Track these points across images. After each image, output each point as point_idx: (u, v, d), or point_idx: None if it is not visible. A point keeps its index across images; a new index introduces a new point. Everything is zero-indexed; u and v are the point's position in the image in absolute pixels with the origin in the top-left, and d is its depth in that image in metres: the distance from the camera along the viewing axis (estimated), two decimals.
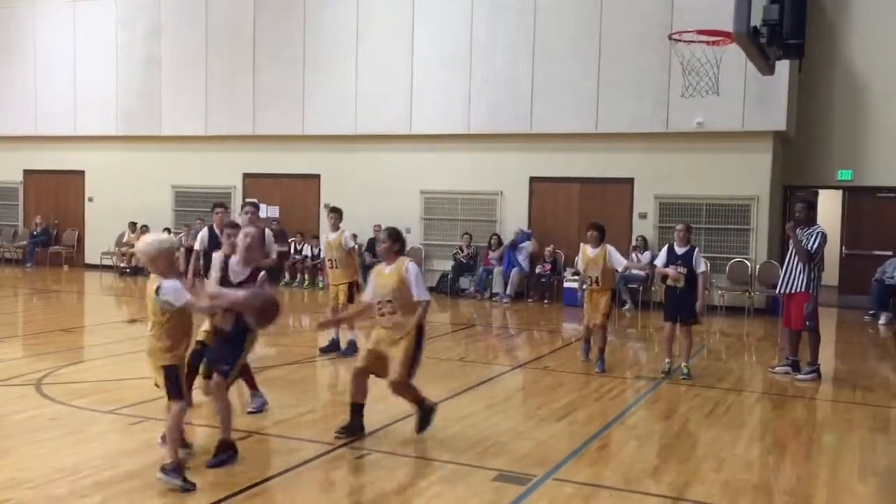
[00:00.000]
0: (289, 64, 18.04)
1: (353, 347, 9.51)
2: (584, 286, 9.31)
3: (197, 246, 9.13)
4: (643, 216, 15.69)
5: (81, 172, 20.74)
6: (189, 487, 5.09)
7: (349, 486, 5.41)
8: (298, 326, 12.85)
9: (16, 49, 21.03)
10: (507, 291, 15.83)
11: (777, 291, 9.58)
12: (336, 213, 10.16)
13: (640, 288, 15.29)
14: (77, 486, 5.17)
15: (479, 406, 7.53)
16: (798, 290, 8.96)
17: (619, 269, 9.38)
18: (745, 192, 14.97)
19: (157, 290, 5.10)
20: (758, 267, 14.93)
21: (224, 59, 18.68)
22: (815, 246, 8.90)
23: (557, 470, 5.75)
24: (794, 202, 16.50)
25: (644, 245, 15.35)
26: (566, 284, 15.47)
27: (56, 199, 21.23)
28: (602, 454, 6.25)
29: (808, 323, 9.02)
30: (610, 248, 9.13)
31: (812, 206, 9.38)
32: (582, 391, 8.29)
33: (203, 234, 9.18)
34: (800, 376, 9.10)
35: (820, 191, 16.14)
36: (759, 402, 8.37)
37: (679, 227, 9.21)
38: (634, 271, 15.12)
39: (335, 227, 10.06)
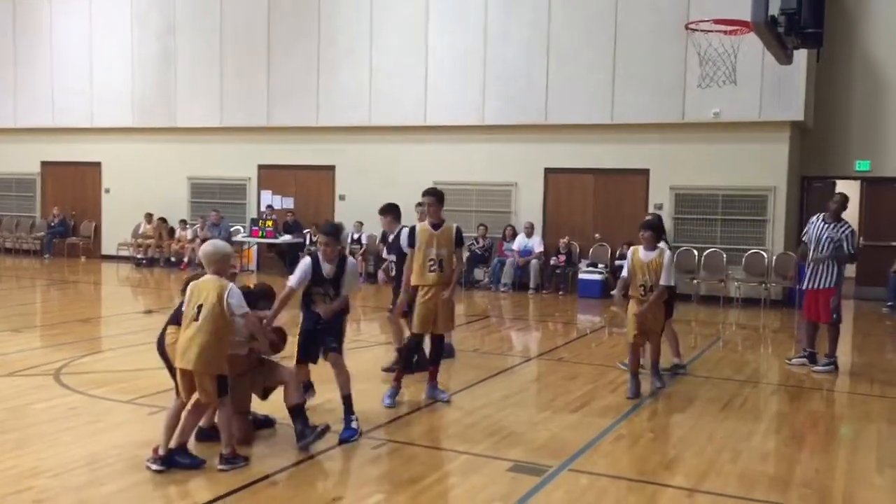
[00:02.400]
0: (304, 55, 18.06)
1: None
2: (627, 293, 7.85)
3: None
4: (658, 207, 15.59)
5: (98, 164, 20.87)
6: (245, 461, 5.45)
7: (366, 476, 5.43)
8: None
9: (33, 42, 21.14)
10: (504, 281, 16.03)
11: (804, 286, 9.32)
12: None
13: None
14: (97, 475, 5.23)
15: (495, 397, 7.54)
16: (828, 285, 8.95)
17: (662, 283, 7.57)
18: (762, 183, 14.87)
19: (227, 294, 5.30)
20: (774, 258, 14.84)
21: (239, 51, 18.71)
22: (854, 246, 8.98)
23: (573, 461, 5.75)
24: (811, 193, 16.49)
25: (665, 238, 15.25)
26: (581, 276, 15.45)
27: (73, 190, 21.38)
28: (617, 446, 6.24)
29: (834, 316, 9.03)
30: (668, 255, 7.70)
31: (847, 200, 9.30)
32: (597, 382, 8.28)
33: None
34: (817, 368, 9.06)
35: (837, 181, 16.01)
36: (775, 394, 8.33)
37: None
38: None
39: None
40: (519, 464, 5.66)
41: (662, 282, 7.54)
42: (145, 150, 20.11)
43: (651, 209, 15.61)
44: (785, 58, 9.33)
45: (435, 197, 7.14)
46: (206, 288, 5.35)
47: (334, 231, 6.28)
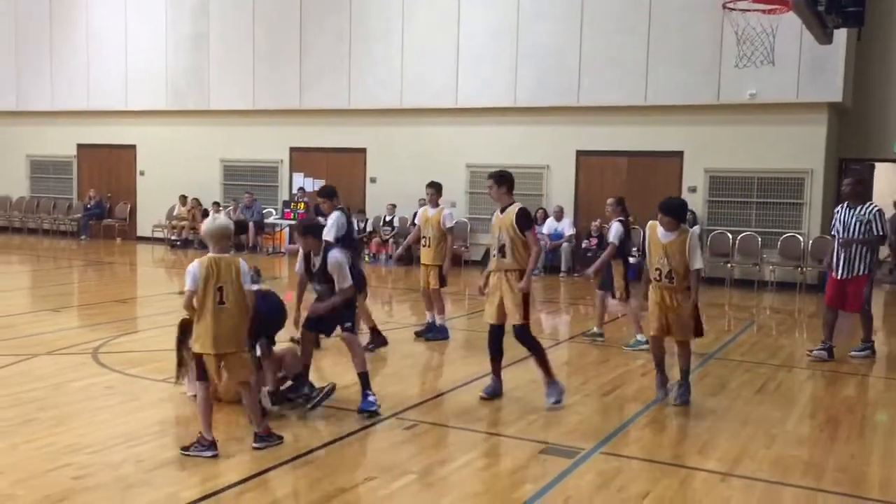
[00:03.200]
0: (335, 38, 18.06)
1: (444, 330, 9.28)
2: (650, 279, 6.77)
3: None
4: (692, 190, 15.45)
5: (133, 147, 21.11)
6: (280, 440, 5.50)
7: (397, 457, 5.46)
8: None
9: (69, 27, 21.39)
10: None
11: (838, 277, 8.71)
12: (434, 187, 9.38)
13: None
14: (133, 452, 5.32)
15: (526, 379, 7.53)
16: (861, 273, 8.62)
17: (693, 268, 6.52)
18: (799, 166, 14.63)
19: (243, 272, 5.31)
20: (810, 242, 14.62)
21: (271, 34, 18.77)
22: (884, 226, 8.58)
23: (604, 444, 5.74)
24: (849, 176, 16.17)
25: (693, 220, 15.12)
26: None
27: (109, 172, 21.66)
28: (650, 429, 6.21)
29: (866, 306, 8.78)
30: (694, 233, 6.64)
31: (861, 183, 8.95)
32: (629, 366, 8.24)
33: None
34: (853, 353, 8.90)
35: (876, 164, 15.71)
36: (810, 378, 8.23)
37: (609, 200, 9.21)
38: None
39: (434, 203, 9.34)
40: (550, 446, 5.66)
41: (693, 265, 6.48)
42: (179, 133, 20.30)
43: (685, 192, 15.47)
44: (824, 37, 9.17)
45: (493, 180, 6.74)
46: (225, 268, 5.26)
47: (310, 228, 6.26)
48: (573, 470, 5.24)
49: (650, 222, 6.80)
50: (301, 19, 18.44)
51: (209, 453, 5.23)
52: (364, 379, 6.28)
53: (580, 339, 9.53)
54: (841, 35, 12.67)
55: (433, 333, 9.28)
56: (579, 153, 16.33)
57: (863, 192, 8.92)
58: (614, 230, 9.13)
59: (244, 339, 5.43)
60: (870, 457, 5.73)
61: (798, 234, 14.74)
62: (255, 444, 5.41)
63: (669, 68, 15.15)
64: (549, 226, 16.08)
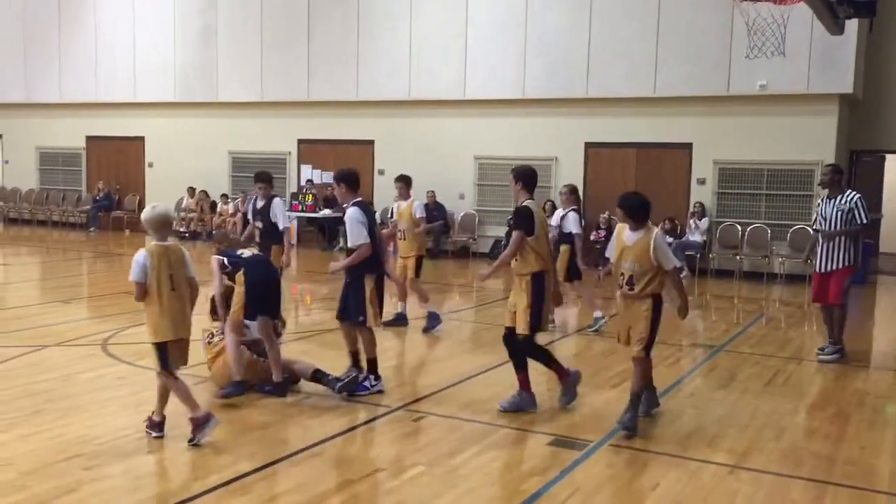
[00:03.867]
0: (343, 30, 18.03)
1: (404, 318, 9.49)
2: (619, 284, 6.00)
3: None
4: (702, 182, 15.38)
5: (141, 138, 21.14)
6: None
7: (406, 449, 5.47)
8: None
9: (78, 19, 21.41)
10: None
11: (819, 270, 8.32)
12: (403, 181, 9.69)
13: (698, 255, 15.04)
14: (143, 444, 5.34)
15: (534, 372, 7.47)
16: (843, 265, 8.15)
17: (667, 269, 5.75)
18: (809, 157, 14.55)
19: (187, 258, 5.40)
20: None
21: (279, 26, 18.75)
22: (866, 214, 8.11)
23: (613, 436, 5.73)
24: (860, 167, 16.11)
25: (702, 212, 15.08)
26: None
27: (117, 164, 21.71)
28: (658, 421, 6.19)
29: (844, 300, 8.27)
30: (658, 235, 5.82)
31: (839, 171, 8.49)
32: None
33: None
34: (822, 357, 8.36)
35: (887, 156, 15.61)
36: (819, 371, 8.19)
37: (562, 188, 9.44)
38: (693, 238, 14.94)
39: (405, 196, 9.64)
40: (559, 438, 5.65)
41: (667, 265, 5.72)
42: (187, 125, 20.32)
43: (694, 183, 15.42)
44: (836, 28, 9.11)
45: (511, 175, 6.44)
46: (172, 255, 5.32)
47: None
48: (582, 462, 5.24)
49: (619, 225, 6.05)
50: (309, 11, 18.40)
51: (209, 429, 5.26)
52: (371, 364, 6.54)
53: (585, 333, 9.49)
54: (852, 26, 12.60)
55: (400, 322, 9.45)
56: (588, 145, 16.28)
57: (841, 180, 8.42)
58: (573, 219, 9.35)
59: (192, 325, 5.46)
60: (879, 449, 5.70)
61: (808, 226, 14.65)
62: (190, 440, 5.29)
63: (679, 59, 15.07)
64: (556, 218, 16.01)
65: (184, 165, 20.18)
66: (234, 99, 19.34)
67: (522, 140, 16.59)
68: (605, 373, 7.62)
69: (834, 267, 8.20)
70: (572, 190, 9.50)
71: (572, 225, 9.30)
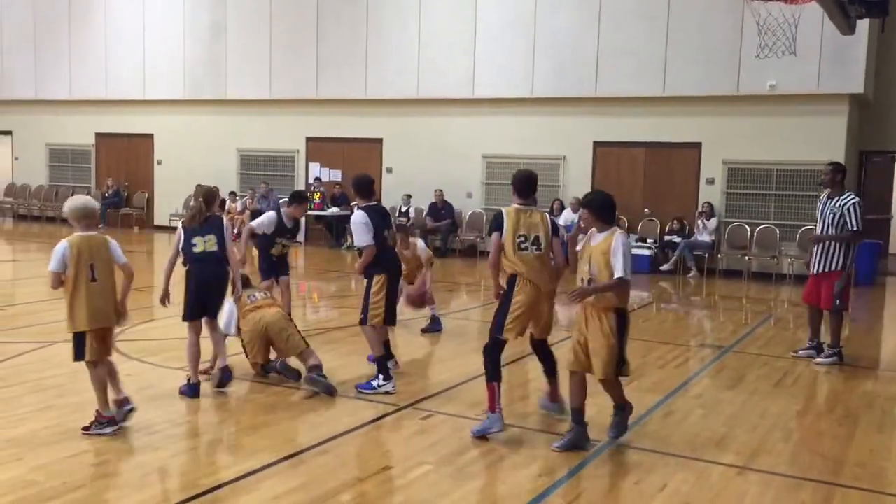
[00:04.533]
0: (352, 28, 18.04)
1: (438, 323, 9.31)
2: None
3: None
4: (710, 182, 15.34)
5: (150, 136, 21.20)
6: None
7: (413, 447, 5.47)
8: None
9: (88, 16, 21.48)
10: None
11: (813, 272, 8.21)
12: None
13: (706, 255, 15.01)
14: (152, 440, 5.35)
15: (541, 372, 7.50)
16: (835, 268, 7.99)
17: (616, 276, 5.21)
18: (819, 158, 14.41)
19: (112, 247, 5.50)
20: None
21: (288, 24, 18.77)
22: (859, 221, 7.87)
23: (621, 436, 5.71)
24: (870, 168, 16.04)
25: (710, 211, 15.04)
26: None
27: (127, 161, 21.77)
28: (666, 422, 6.18)
29: (837, 302, 8.09)
30: (620, 237, 5.34)
31: (841, 170, 8.22)
32: (645, 358, 8.20)
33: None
34: (818, 360, 8.25)
35: None
36: (829, 373, 8.16)
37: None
38: (701, 238, 14.89)
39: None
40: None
41: (615, 272, 5.20)
42: (196, 122, 20.37)
43: (703, 184, 15.38)
44: (847, 27, 9.06)
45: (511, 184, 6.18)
46: (95, 246, 5.37)
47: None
48: (589, 462, 5.23)
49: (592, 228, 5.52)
50: (318, 8, 18.42)
51: (109, 429, 5.34)
52: (378, 363, 6.64)
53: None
54: (864, 25, 12.52)
55: (435, 327, 9.30)
56: (596, 144, 16.25)
57: (843, 179, 8.17)
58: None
59: (114, 316, 5.51)
60: (889, 452, 5.68)
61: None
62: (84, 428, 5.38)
63: (688, 59, 15.03)
64: (565, 217, 16.00)
65: (192, 163, 20.23)
66: (243, 96, 19.38)
67: (531, 139, 16.57)
68: None
69: (824, 269, 8.08)
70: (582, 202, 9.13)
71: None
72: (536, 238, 5.78)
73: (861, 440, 5.92)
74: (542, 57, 16.26)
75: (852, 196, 8.03)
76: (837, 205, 7.98)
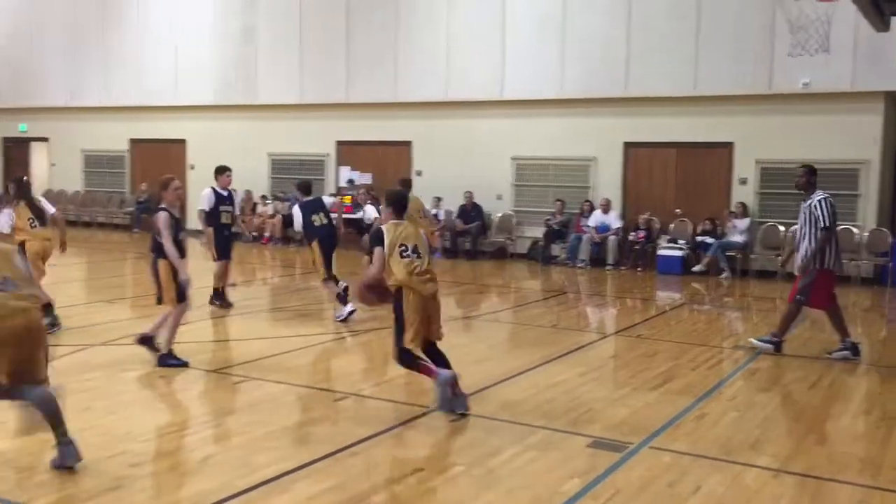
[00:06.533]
0: (381, 31, 18.12)
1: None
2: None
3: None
4: (743, 182, 15.18)
5: (183, 141, 21.45)
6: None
7: (446, 448, 5.48)
8: None
9: (121, 23, 21.81)
10: (582, 257, 15.75)
11: (796, 272, 8.63)
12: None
13: (739, 256, 14.84)
14: (187, 442, 5.42)
15: (573, 373, 7.49)
16: (812, 267, 8.26)
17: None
18: (854, 157, 14.26)
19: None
20: (866, 235, 14.26)
21: (318, 28, 18.91)
22: (827, 217, 8.14)
23: (653, 438, 5.68)
24: None
25: (743, 211, 14.87)
26: (660, 252, 15.17)
27: (160, 167, 21.92)
28: (700, 424, 6.12)
29: (798, 297, 8.34)
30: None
31: (813, 172, 8.56)
32: (678, 360, 8.14)
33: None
34: (753, 340, 8.57)
35: None
36: (865, 374, 8.04)
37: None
38: (733, 238, 14.72)
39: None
40: (598, 440, 5.62)
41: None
42: (228, 127, 20.56)
43: (735, 183, 15.22)
44: (881, 24, 8.93)
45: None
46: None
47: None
48: (622, 464, 5.20)
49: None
50: (347, 12, 18.53)
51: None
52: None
53: (624, 335, 9.40)
54: None
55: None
56: (627, 145, 16.14)
57: (815, 181, 8.50)
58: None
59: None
60: None
61: (853, 226, 14.37)
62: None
63: (720, 57, 14.88)
64: (595, 218, 15.93)
65: None
66: (274, 101, 19.54)
67: (561, 140, 16.52)
68: (644, 374, 7.56)
69: (803, 269, 8.35)
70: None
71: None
72: (416, 248, 6.07)
73: None
74: (571, 57, 16.20)
75: (820, 193, 8.36)
76: (809, 205, 8.30)
